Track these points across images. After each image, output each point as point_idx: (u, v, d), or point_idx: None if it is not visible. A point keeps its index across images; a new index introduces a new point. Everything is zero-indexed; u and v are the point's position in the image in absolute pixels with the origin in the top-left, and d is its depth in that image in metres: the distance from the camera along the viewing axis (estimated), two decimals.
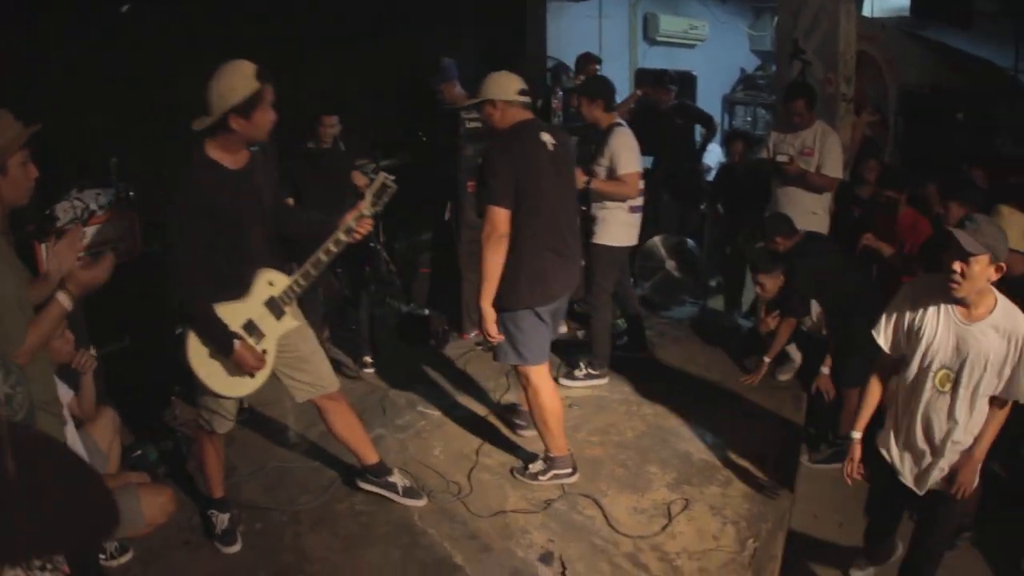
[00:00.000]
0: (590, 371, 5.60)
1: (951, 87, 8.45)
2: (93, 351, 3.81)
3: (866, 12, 10.29)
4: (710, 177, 8.45)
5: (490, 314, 3.95)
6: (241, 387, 3.51)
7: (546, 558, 3.76)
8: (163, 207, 3.26)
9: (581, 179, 5.20)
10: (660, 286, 7.31)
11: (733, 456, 4.67)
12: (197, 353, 3.40)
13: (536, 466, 4.40)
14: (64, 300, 2.76)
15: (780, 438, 4.95)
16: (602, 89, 5.45)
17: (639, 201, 5.52)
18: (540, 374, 4.20)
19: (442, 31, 7.31)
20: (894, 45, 8.46)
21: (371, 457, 4.08)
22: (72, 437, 3.29)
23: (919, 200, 5.60)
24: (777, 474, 4.51)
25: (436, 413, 5.17)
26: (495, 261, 3.89)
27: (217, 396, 3.51)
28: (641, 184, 5.48)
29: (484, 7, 7.65)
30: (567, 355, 5.89)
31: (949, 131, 8.16)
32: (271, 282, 3.46)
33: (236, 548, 3.80)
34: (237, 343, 3.36)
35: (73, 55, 5.15)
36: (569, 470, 4.37)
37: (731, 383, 5.71)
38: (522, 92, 4.10)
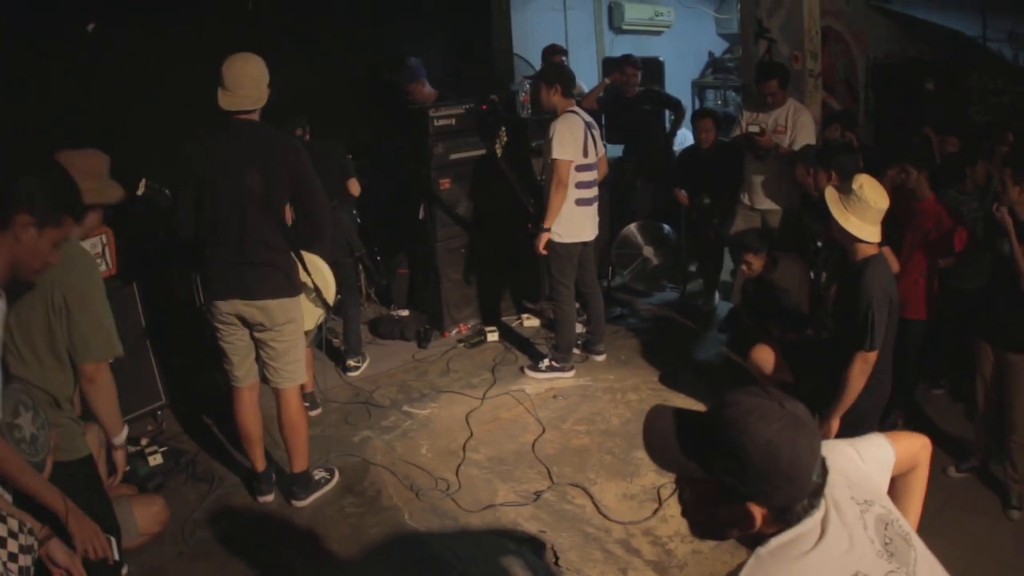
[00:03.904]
0: (553, 364, 5.60)
1: (920, 58, 8.48)
2: None
3: None
4: None
5: None
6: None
7: (539, 549, 3.75)
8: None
9: None
10: (639, 273, 7.30)
11: None
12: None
13: None
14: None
15: None
16: (559, 75, 5.35)
17: (588, 193, 5.36)
18: None
19: (406, 29, 7.27)
20: (859, 19, 8.48)
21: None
22: None
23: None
24: None
25: (421, 412, 5.15)
26: None
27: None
28: (590, 175, 5.36)
29: (448, 3, 7.63)
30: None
31: (920, 102, 8.18)
32: None
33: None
34: None
35: (29, 74, 5.11)
36: None
37: (713, 365, 5.72)
38: None
